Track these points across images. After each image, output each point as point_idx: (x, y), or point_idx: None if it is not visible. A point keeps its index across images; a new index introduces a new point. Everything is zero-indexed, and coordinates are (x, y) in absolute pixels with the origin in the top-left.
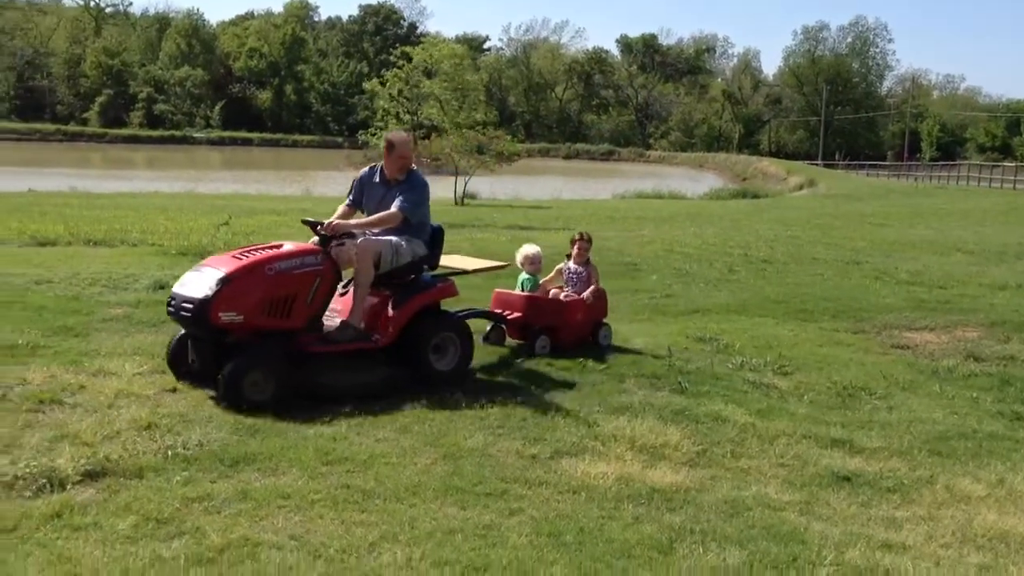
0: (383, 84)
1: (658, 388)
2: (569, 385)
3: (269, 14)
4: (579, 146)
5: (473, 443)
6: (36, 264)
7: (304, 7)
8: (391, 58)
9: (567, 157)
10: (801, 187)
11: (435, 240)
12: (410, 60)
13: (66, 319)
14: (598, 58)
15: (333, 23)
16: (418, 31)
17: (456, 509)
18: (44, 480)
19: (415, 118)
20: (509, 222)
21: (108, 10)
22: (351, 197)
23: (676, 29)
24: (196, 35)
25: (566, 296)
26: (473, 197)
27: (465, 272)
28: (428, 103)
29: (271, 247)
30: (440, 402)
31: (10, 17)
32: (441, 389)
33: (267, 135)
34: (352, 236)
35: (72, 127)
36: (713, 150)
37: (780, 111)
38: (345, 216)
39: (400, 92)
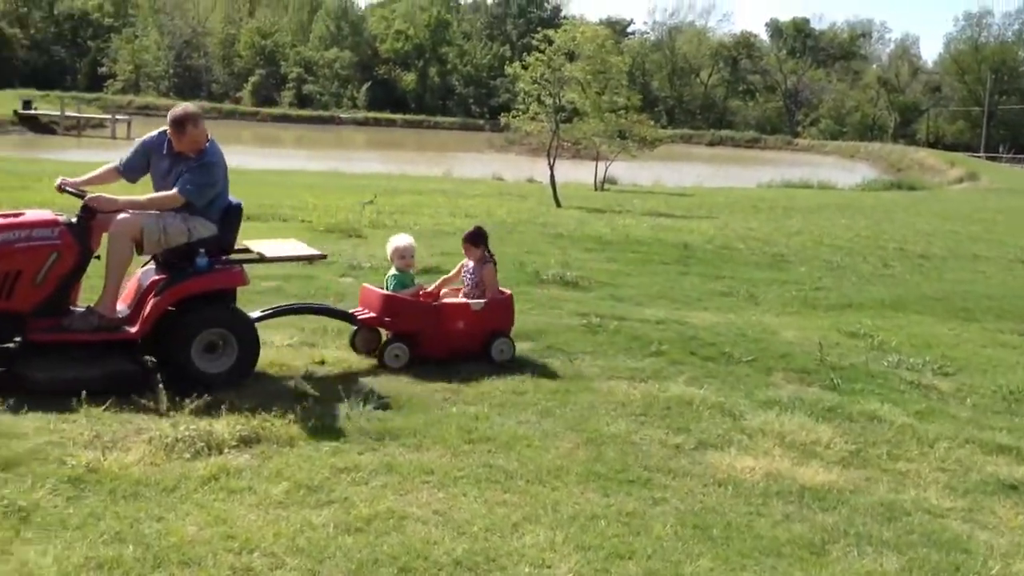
0: (525, 68)
1: (808, 384)
2: (713, 376)
3: None
4: (723, 132)
5: (615, 430)
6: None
7: None
8: (533, 41)
9: (711, 144)
10: (961, 180)
11: (228, 219)
12: (552, 43)
13: None
14: (746, 42)
15: (477, 5)
16: (562, 14)
17: (598, 495)
18: (202, 444)
19: (556, 101)
20: (650, 208)
21: None
22: (123, 162)
23: (829, 14)
24: (345, 17)
25: (452, 299)
26: (613, 182)
27: (264, 259)
28: (570, 86)
29: (4, 215)
30: (583, 387)
31: None
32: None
33: (410, 116)
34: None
35: (226, 105)
36: (866, 139)
37: (939, 100)
38: (106, 178)
39: (542, 75)
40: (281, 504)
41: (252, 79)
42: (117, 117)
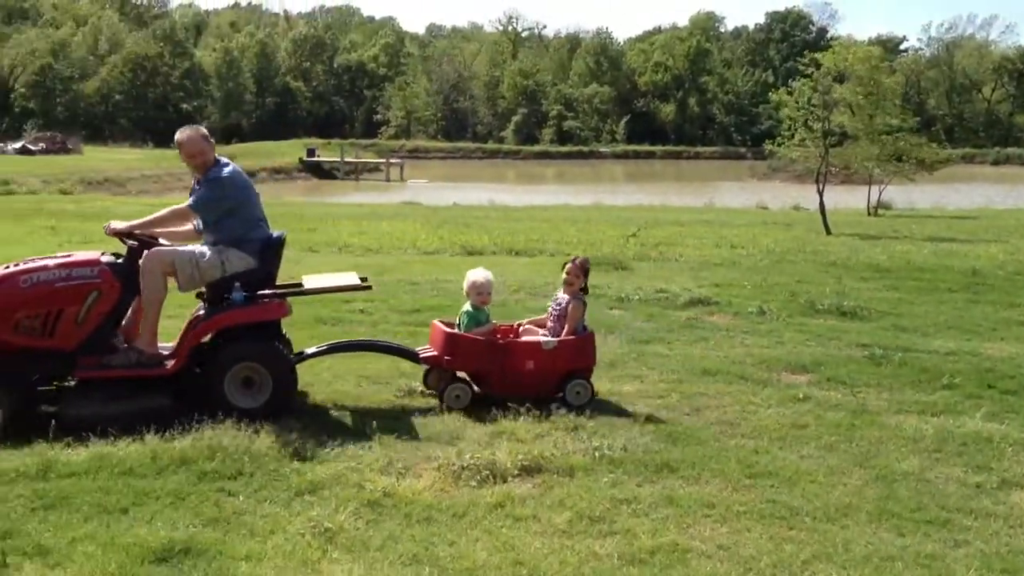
0: (790, 94)
1: None
2: (1015, 411)
3: (675, 28)
4: (1009, 150)
5: (907, 467)
6: (466, 271)
7: (710, 19)
8: (799, 65)
9: (995, 163)
10: None
11: (268, 252)
12: (820, 66)
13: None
14: None
15: (739, 32)
16: (828, 35)
17: (893, 535)
18: (487, 472)
19: (825, 125)
20: (930, 233)
21: (524, 34)
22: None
23: None
24: (604, 53)
25: (540, 334)
26: (887, 207)
27: (304, 292)
28: (838, 109)
29: (52, 258)
30: (869, 421)
31: (438, 45)
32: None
33: (669, 147)
34: (147, 244)
35: (490, 145)
36: None
37: None
38: (173, 218)
39: (808, 100)
40: (565, 533)
41: (515, 118)
42: (391, 160)
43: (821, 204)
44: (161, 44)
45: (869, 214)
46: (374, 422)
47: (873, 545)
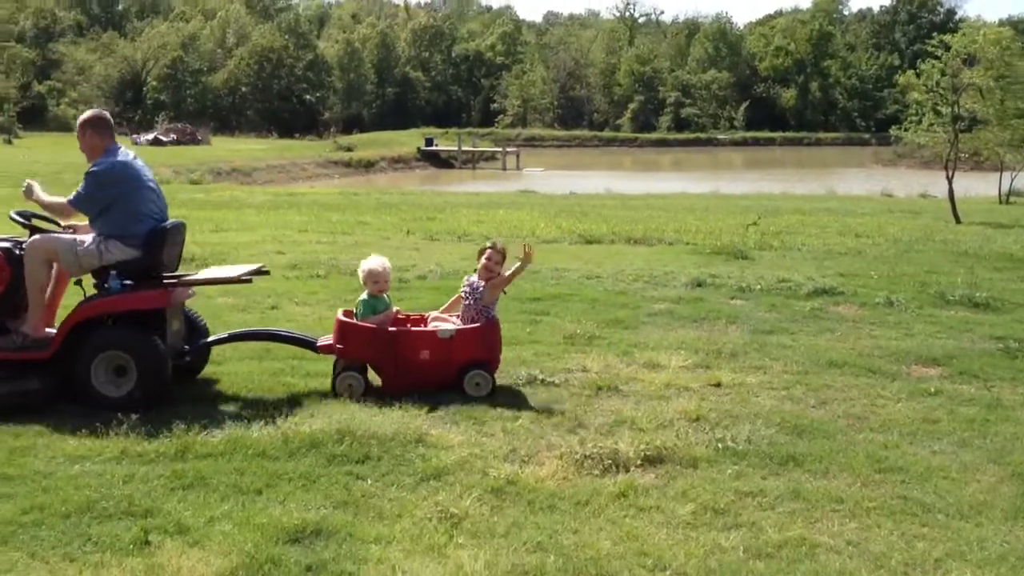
0: (918, 76)
1: None
2: None
3: (796, 11)
4: None
5: None
6: (585, 260)
7: (833, 1)
8: (927, 47)
9: None
10: None
11: (152, 242)
12: (948, 48)
13: (616, 312)
14: None
15: (863, 15)
16: (956, 17)
17: None
18: (609, 461)
19: (954, 110)
20: None
21: (641, 20)
22: None
23: None
24: (723, 38)
25: (441, 322)
26: (1020, 195)
27: (184, 283)
28: (967, 93)
29: None
30: (1004, 417)
31: (555, 33)
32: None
33: (789, 134)
34: (40, 230)
35: (606, 133)
36: None
37: None
38: (59, 209)
39: (937, 83)
40: (689, 525)
41: (631, 106)
42: (507, 149)
43: (950, 191)
44: (286, 36)
45: (1001, 202)
46: (496, 409)
47: (1009, 544)
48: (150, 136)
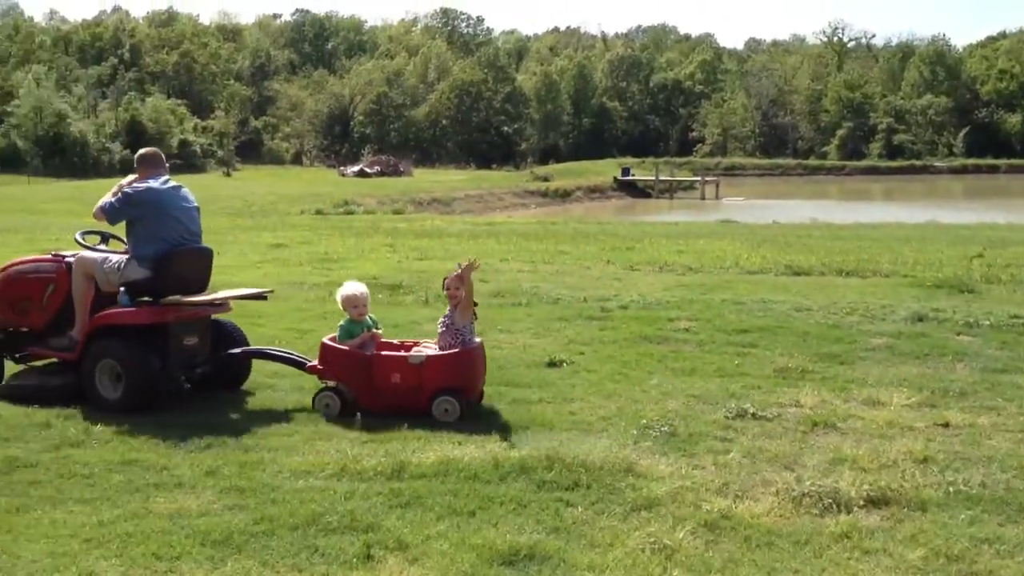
0: None
1: None
2: None
3: (1021, 32)
4: None
5: None
6: (793, 292)
7: None
8: None
9: None
10: None
11: (162, 263)
12: None
13: (830, 346)
14: None
15: None
16: None
17: None
18: (829, 500)
19: None
20: None
21: (850, 44)
22: None
23: None
24: (940, 61)
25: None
26: None
27: (184, 303)
28: None
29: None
30: None
31: (757, 60)
32: None
33: (1015, 161)
34: (90, 248)
35: (811, 161)
36: None
37: None
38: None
39: None
40: (920, 570)
41: (839, 132)
42: (706, 179)
43: None
44: (485, 70)
45: None
46: (706, 442)
47: None
48: (356, 168)
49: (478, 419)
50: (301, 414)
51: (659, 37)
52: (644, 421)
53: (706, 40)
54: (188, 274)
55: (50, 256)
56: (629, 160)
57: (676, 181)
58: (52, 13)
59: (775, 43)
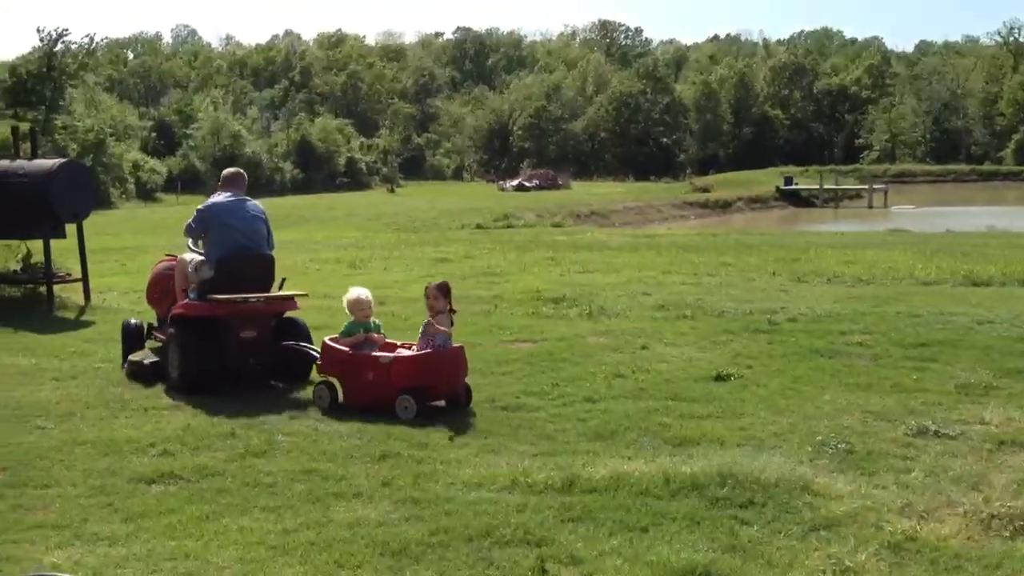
0: None
1: None
2: None
3: None
4: None
5: None
6: (973, 304)
7: None
8: None
9: None
10: None
11: (222, 267)
12: None
13: (1016, 361)
14: None
15: None
16: None
17: None
18: (1021, 523)
19: None
20: None
21: None
22: None
23: None
24: None
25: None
26: None
27: (231, 299)
28: None
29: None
30: None
31: (927, 63)
32: None
33: None
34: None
35: (986, 166)
36: None
37: None
38: None
39: None
40: None
41: (1016, 136)
42: (873, 187)
43: None
44: (643, 81)
45: None
46: (887, 460)
47: None
48: (515, 182)
49: (645, 432)
50: (470, 426)
51: (823, 42)
52: (819, 438)
53: (873, 43)
54: (248, 276)
55: (175, 257)
56: (792, 169)
57: (842, 190)
58: (228, 38)
59: (947, 45)
